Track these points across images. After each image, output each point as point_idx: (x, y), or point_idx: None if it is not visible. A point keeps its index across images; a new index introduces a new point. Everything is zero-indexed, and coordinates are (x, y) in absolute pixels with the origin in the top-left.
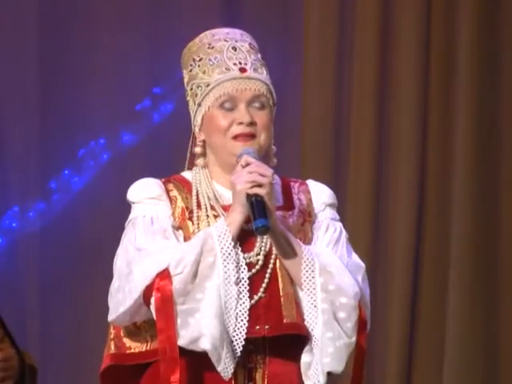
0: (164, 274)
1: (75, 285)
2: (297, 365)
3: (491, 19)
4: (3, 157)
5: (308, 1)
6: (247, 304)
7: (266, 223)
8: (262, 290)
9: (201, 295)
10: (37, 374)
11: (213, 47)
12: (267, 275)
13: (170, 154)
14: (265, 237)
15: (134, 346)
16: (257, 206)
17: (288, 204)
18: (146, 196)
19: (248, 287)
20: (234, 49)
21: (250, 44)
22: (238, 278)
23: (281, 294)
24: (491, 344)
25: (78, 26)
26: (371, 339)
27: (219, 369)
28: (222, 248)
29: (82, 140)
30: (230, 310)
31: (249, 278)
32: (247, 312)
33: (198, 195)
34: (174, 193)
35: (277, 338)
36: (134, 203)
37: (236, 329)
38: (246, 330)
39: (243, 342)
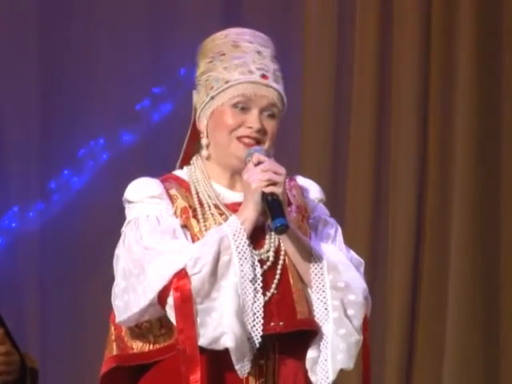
0: (182, 274)
1: (75, 284)
2: (302, 360)
3: (491, 17)
4: (3, 157)
5: (308, 0)
6: (261, 301)
7: (285, 222)
8: (274, 286)
9: (216, 294)
10: (38, 375)
11: (238, 46)
12: (278, 271)
13: (169, 153)
14: (273, 233)
15: (137, 347)
16: (274, 204)
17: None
18: (147, 195)
19: (262, 284)
20: (259, 53)
21: (271, 51)
22: (253, 275)
23: (292, 290)
24: (491, 342)
25: (77, 26)
26: (370, 338)
27: (237, 367)
28: (238, 246)
29: (82, 140)
30: (247, 308)
31: (261, 275)
32: (262, 309)
33: (197, 194)
34: (174, 191)
35: (286, 334)
36: (132, 203)
37: (253, 326)
38: (262, 327)
39: (260, 340)
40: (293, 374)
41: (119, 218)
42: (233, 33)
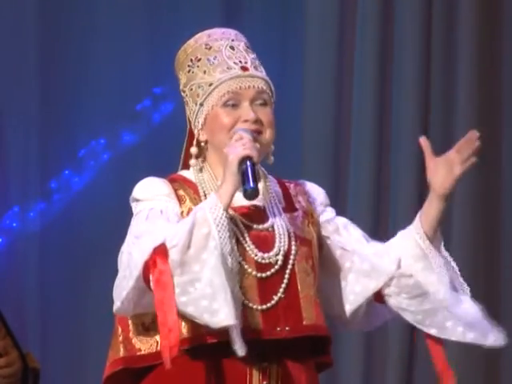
0: (160, 249)
1: (75, 285)
2: (305, 364)
3: (492, 16)
4: (3, 157)
5: (308, 0)
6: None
7: (254, 186)
8: (281, 290)
9: (198, 267)
10: (39, 375)
11: (210, 47)
12: (286, 276)
13: (170, 153)
14: (283, 237)
15: (144, 348)
16: (246, 171)
17: (291, 206)
18: (156, 194)
19: (241, 258)
20: (232, 48)
21: (245, 43)
22: (231, 248)
23: (300, 295)
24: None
25: (77, 26)
26: (371, 337)
27: (237, 346)
28: (215, 219)
29: (83, 140)
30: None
31: (268, 278)
32: (239, 284)
33: (205, 196)
34: (182, 192)
35: (291, 338)
36: (140, 201)
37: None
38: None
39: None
40: (297, 376)
41: (120, 217)
42: (203, 36)
